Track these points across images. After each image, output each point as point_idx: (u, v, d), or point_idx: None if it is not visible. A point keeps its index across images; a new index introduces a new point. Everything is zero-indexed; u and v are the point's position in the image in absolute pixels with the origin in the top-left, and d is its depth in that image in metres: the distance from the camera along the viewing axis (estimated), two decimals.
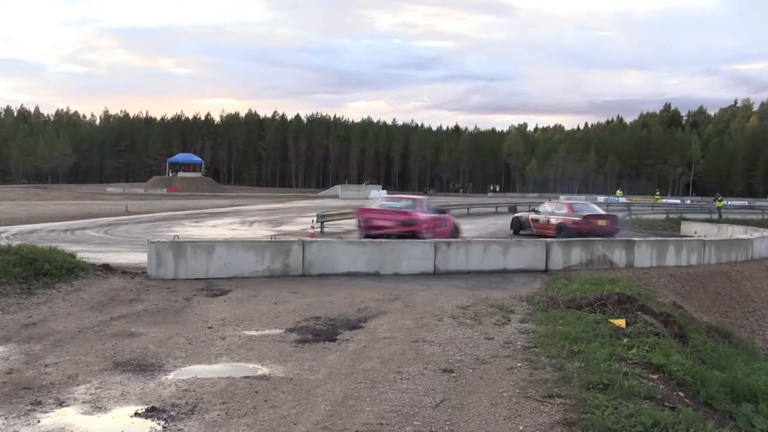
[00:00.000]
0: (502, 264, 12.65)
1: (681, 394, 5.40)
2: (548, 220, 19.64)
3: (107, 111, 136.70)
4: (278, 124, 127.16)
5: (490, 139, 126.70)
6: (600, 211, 20.80)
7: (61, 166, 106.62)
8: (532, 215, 20.72)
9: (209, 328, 7.27)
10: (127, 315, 7.83)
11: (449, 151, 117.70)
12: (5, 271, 8.92)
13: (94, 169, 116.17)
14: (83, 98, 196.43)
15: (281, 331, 7.19)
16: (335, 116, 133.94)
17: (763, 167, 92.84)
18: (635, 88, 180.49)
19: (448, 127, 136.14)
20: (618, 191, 73.48)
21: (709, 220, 32.31)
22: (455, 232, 17.30)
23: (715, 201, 40.96)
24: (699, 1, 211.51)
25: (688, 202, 62.01)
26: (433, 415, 4.63)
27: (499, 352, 6.41)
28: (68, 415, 4.55)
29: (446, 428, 4.41)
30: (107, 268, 10.54)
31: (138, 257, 12.18)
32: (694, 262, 15.63)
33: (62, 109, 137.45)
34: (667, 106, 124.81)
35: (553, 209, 20.19)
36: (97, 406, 4.72)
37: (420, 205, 16.59)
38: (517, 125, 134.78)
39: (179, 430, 4.30)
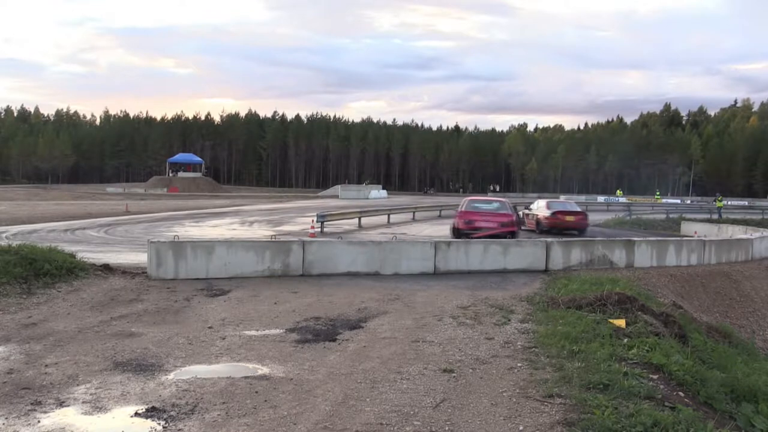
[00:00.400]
0: (502, 264, 12.65)
1: (681, 394, 5.40)
2: (533, 216, 22.06)
3: (107, 111, 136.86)
4: (278, 124, 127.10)
5: (490, 139, 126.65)
6: (572, 208, 22.80)
7: (61, 166, 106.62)
8: (524, 211, 23.18)
9: (209, 328, 7.27)
10: (127, 315, 7.84)
11: (449, 151, 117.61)
12: (5, 271, 8.93)
13: (94, 169, 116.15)
14: (83, 98, 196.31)
15: (281, 331, 7.19)
16: (335, 116, 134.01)
17: (763, 167, 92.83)
18: (635, 88, 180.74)
19: (448, 127, 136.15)
20: (618, 191, 73.53)
21: (709, 220, 32.33)
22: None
23: (715, 201, 40.97)
24: (699, 1, 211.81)
25: (688, 202, 61.99)
26: (433, 415, 4.63)
27: (499, 352, 6.41)
28: (68, 415, 4.55)
29: (446, 428, 4.42)
30: (107, 268, 10.55)
31: (138, 257, 12.19)
32: (694, 262, 15.63)
33: (62, 109, 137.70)
34: (667, 106, 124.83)
35: (537, 207, 22.64)
36: (97, 406, 4.73)
37: (509, 207, 18.23)
38: (517, 125, 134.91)
39: (179, 430, 4.30)
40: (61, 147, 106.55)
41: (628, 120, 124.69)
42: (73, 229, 20.29)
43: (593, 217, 34.26)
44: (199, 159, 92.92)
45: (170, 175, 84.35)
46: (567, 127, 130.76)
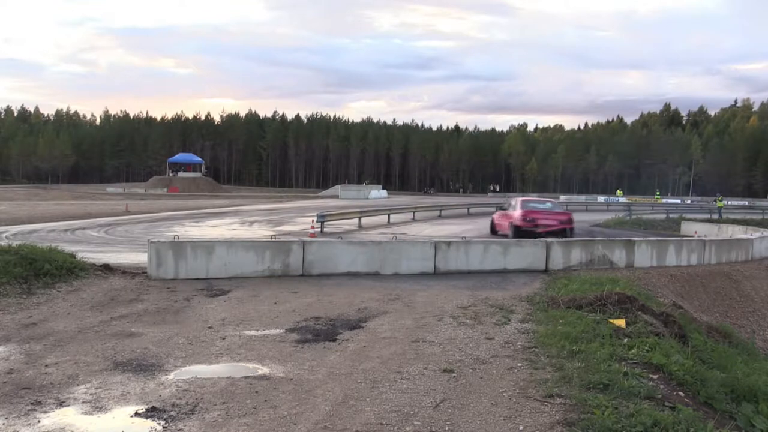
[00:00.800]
0: (502, 264, 12.64)
1: (681, 394, 5.40)
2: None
3: (107, 111, 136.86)
4: (278, 124, 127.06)
5: (490, 139, 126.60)
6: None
7: (61, 166, 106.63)
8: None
9: (209, 328, 7.27)
10: (127, 315, 7.84)
11: (449, 151, 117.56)
12: (5, 271, 8.93)
13: (94, 169, 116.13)
14: (83, 98, 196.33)
15: (281, 331, 7.19)
16: (335, 116, 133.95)
17: (763, 167, 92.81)
18: (635, 87, 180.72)
19: (448, 127, 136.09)
20: (618, 191, 73.52)
21: (710, 220, 32.31)
22: None
23: (715, 201, 40.97)
24: (699, 1, 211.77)
25: (688, 202, 61.96)
26: (433, 415, 4.63)
27: (499, 352, 6.41)
28: (68, 415, 4.55)
29: (446, 428, 4.42)
30: (107, 268, 10.55)
31: (138, 257, 12.19)
32: (694, 262, 15.62)
33: (62, 109, 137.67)
34: (668, 106, 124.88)
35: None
36: (97, 406, 4.73)
37: (561, 206, 19.74)
38: (517, 125, 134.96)
39: (179, 430, 4.30)
40: (61, 147, 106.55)
41: (628, 120, 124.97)
42: (73, 229, 20.29)
43: (593, 217, 34.32)
44: (199, 159, 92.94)
45: (170, 175, 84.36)
46: (567, 127, 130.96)
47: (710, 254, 16.18)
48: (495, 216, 21.23)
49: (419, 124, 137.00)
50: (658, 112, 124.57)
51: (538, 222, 17.85)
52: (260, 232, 20.77)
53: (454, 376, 5.59)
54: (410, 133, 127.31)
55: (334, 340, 6.79)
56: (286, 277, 10.88)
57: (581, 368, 5.68)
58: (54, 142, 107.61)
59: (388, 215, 27.11)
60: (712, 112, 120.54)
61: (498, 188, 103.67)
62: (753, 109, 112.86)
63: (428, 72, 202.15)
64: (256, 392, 5.06)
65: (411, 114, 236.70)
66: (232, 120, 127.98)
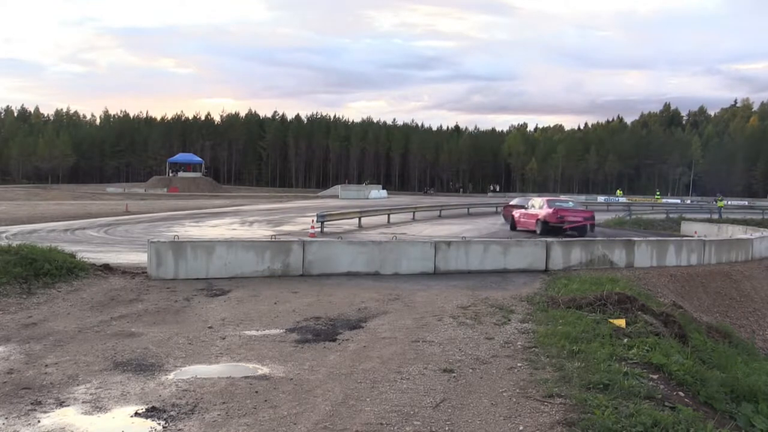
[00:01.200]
0: (502, 264, 12.65)
1: (681, 394, 5.40)
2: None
3: (107, 111, 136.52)
4: (278, 124, 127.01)
5: (490, 139, 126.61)
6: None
7: (61, 166, 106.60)
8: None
9: (209, 328, 7.27)
10: (127, 315, 7.84)
11: (449, 151, 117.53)
12: (5, 271, 8.93)
13: (94, 169, 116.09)
14: (83, 98, 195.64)
15: (281, 331, 7.19)
16: (335, 116, 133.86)
17: (763, 167, 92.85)
18: (636, 87, 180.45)
19: (448, 127, 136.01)
20: (618, 191, 73.52)
21: (710, 220, 32.33)
22: None
23: (715, 201, 40.97)
24: (699, 1, 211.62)
25: (688, 202, 61.93)
26: (433, 415, 4.63)
27: (499, 352, 6.41)
28: (68, 415, 4.55)
29: (446, 428, 4.42)
30: (107, 268, 10.55)
31: (138, 257, 12.19)
32: (694, 262, 15.63)
33: (62, 109, 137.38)
34: (667, 106, 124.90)
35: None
36: (97, 406, 4.73)
37: (582, 204, 22.29)
38: (517, 125, 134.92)
39: (179, 430, 4.30)
40: (61, 147, 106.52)
41: (628, 120, 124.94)
42: (73, 229, 20.30)
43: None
44: (199, 159, 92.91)
45: (170, 175, 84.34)
46: (567, 127, 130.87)
47: (710, 254, 16.18)
48: (515, 214, 22.85)
49: (419, 124, 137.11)
50: (658, 112, 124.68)
51: (566, 218, 20.01)
52: (260, 232, 20.77)
53: (454, 376, 5.59)
54: (410, 133, 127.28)
55: (334, 340, 6.79)
56: (286, 277, 10.88)
57: (581, 368, 5.69)
58: (54, 142, 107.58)
59: (388, 215, 27.13)
60: (712, 112, 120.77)
61: (498, 188, 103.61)
62: (753, 109, 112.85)
63: (428, 72, 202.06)
64: (256, 392, 5.06)
65: (411, 114, 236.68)
66: (232, 120, 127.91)
